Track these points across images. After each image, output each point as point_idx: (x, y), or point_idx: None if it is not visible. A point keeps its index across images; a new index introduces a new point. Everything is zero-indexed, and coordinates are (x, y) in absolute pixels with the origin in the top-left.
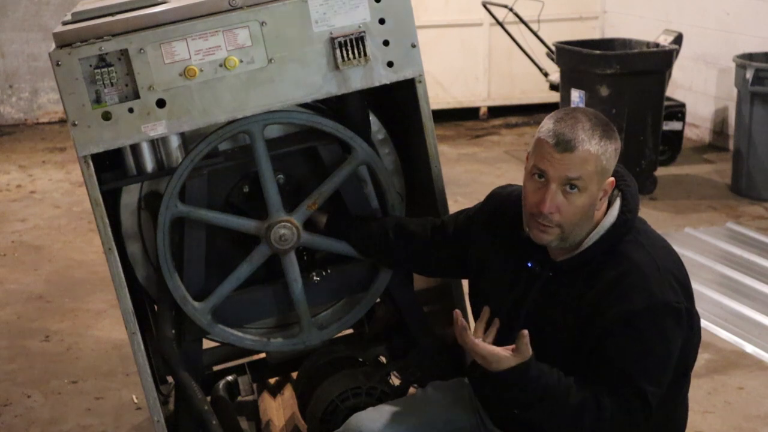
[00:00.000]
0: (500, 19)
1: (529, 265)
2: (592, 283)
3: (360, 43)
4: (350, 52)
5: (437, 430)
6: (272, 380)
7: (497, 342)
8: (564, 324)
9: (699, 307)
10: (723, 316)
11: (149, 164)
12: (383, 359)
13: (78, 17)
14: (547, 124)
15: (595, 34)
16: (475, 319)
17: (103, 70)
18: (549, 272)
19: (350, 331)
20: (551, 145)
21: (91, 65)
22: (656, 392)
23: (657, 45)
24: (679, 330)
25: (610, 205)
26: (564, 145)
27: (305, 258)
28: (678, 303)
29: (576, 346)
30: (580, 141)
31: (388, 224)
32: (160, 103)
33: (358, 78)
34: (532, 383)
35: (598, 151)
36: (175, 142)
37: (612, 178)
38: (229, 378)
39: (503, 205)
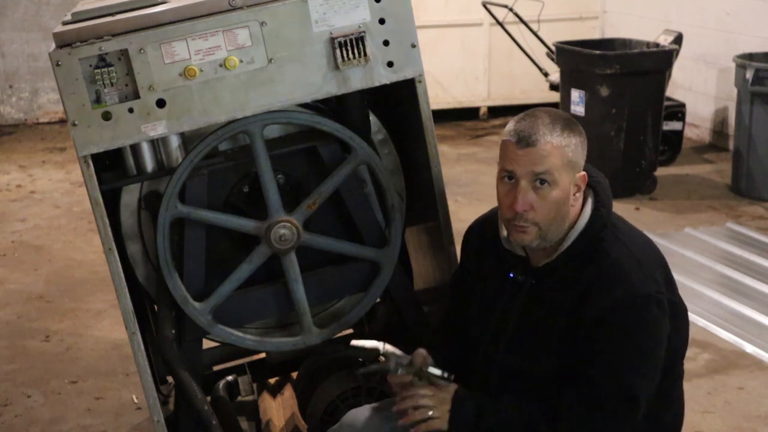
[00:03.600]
0: (500, 19)
1: (511, 275)
2: (573, 283)
3: (360, 43)
4: (350, 52)
5: None
6: (272, 380)
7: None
8: (552, 329)
9: (699, 306)
10: (723, 316)
11: (149, 164)
12: (383, 359)
13: (78, 17)
14: (509, 125)
15: (595, 34)
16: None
17: (103, 70)
18: (532, 280)
19: (350, 331)
20: (513, 143)
21: (91, 65)
22: (645, 386)
23: (657, 45)
24: (663, 320)
25: (584, 203)
26: (525, 140)
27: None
28: (659, 293)
29: (566, 350)
30: (540, 134)
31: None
32: (160, 103)
33: (358, 78)
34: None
35: (560, 143)
36: (175, 142)
37: (584, 173)
38: (229, 378)
39: (481, 229)
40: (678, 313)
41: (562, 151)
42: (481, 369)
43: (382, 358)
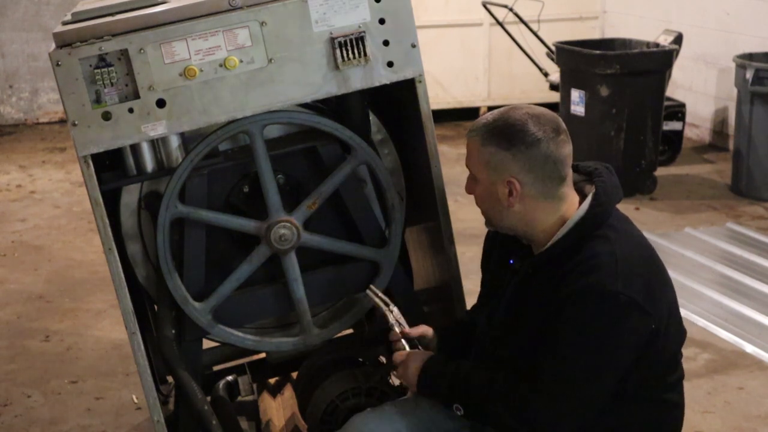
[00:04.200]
0: (500, 19)
1: (511, 262)
2: (556, 275)
3: (360, 43)
4: (350, 52)
5: (437, 430)
6: (272, 380)
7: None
8: (535, 317)
9: (699, 306)
10: (723, 316)
11: (149, 164)
12: (383, 359)
13: (78, 17)
14: None
15: (595, 34)
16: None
17: (103, 70)
18: (528, 269)
19: (350, 331)
20: None
21: (91, 65)
22: (590, 381)
23: (657, 45)
24: (627, 322)
25: (585, 199)
26: (468, 132)
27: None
28: (629, 294)
29: (539, 337)
30: (472, 130)
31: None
32: (160, 103)
33: (358, 78)
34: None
35: (480, 144)
36: (175, 142)
37: (514, 179)
38: (229, 378)
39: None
40: (658, 322)
41: (480, 152)
42: (477, 351)
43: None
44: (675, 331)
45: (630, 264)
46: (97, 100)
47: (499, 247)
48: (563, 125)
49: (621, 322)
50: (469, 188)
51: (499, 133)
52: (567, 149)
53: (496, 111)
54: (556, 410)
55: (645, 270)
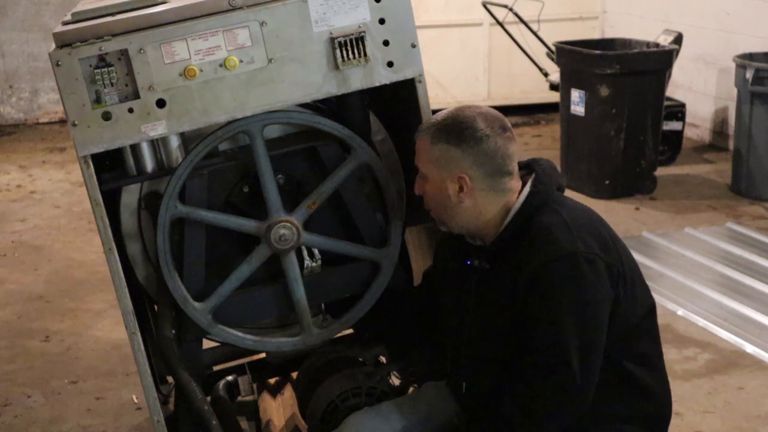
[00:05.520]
0: (500, 19)
1: (468, 263)
2: (513, 258)
3: (360, 43)
4: (350, 52)
5: (435, 430)
6: (272, 380)
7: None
8: (502, 307)
9: (699, 306)
10: (723, 316)
11: (149, 164)
12: (383, 359)
13: (78, 17)
14: None
15: (595, 34)
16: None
17: (103, 70)
18: (486, 264)
19: (350, 331)
20: None
21: (91, 65)
22: (583, 349)
23: (657, 45)
24: (598, 279)
25: (525, 185)
26: (417, 132)
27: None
28: (590, 253)
29: (515, 326)
30: (421, 130)
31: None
32: (160, 103)
33: (358, 78)
34: None
35: (429, 142)
36: (175, 142)
37: (464, 175)
38: (229, 378)
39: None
40: (624, 280)
41: (430, 150)
42: (453, 356)
43: None
44: (641, 294)
45: (580, 225)
46: (97, 100)
47: (455, 251)
48: (509, 124)
49: (589, 279)
50: (419, 188)
51: (449, 131)
52: (513, 146)
53: (444, 111)
54: (558, 388)
55: (595, 229)
